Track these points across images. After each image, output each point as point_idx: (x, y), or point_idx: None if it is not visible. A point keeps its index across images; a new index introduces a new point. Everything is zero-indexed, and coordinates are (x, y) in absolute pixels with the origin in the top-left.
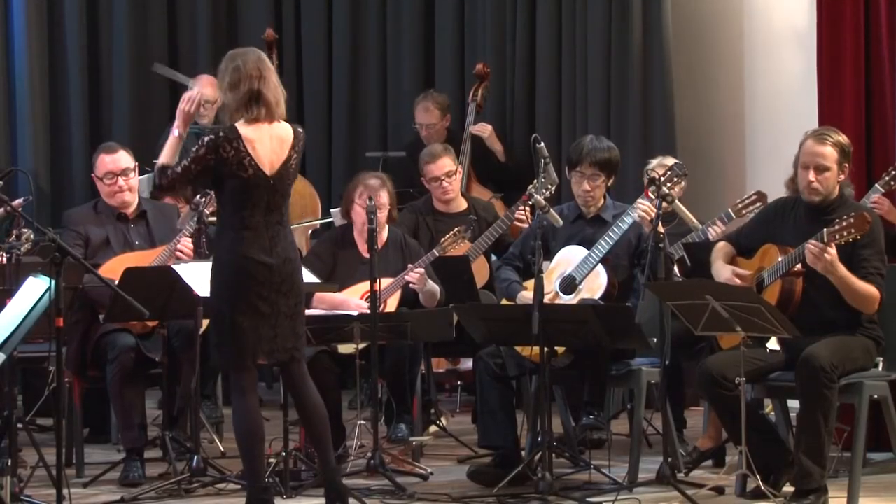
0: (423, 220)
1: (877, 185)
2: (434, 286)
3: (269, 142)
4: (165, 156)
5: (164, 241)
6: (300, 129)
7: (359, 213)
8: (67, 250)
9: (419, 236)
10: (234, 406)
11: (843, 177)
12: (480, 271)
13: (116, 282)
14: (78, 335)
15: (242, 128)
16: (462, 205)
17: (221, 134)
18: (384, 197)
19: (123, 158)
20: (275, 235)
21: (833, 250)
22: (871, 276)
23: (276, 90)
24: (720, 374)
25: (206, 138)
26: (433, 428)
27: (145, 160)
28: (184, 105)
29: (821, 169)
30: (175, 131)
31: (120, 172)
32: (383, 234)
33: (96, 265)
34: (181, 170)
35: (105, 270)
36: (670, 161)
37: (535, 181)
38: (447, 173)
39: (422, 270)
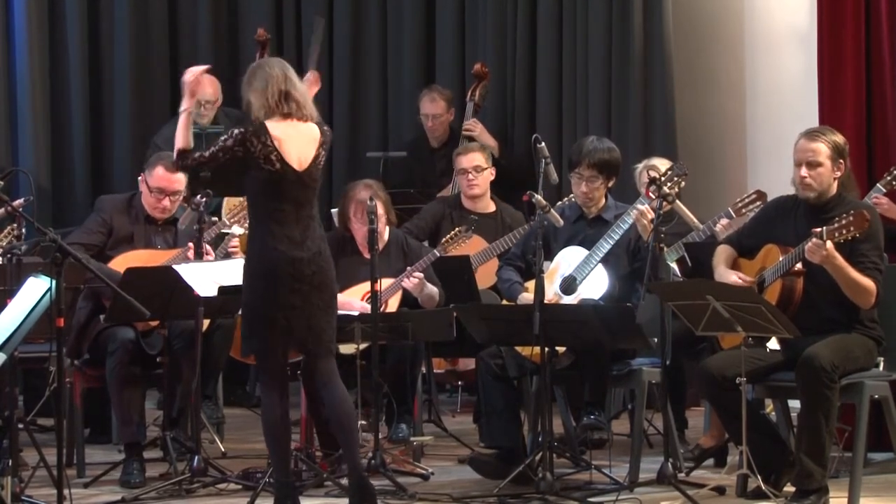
0: (448, 213)
1: (878, 184)
2: (433, 289)
3: (298, 139)
4: (181, 137)
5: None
6: (326, 128)
7: (358, 230)
8: (68, 250)
9: (442, 227)
10: (262, 401)
11: (838, 173)
12: (491, 273)
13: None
14: (80, 322)
15: (271, 125)
16: (490, 207)
17: (250, 129)
18: (379, 208)
19: (179, 181)
20: (306, 229)
21: (830, 244)
22: (870, 271)
23: (303, 92)
24: (721, 374)
25: (235, 131)
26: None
27: (146, 160)
28: (186, 76)
29: (813, 165)
30: (182, 108)
31: (171, 192)
32: (385, 236)
33: (111, 257)
34: (209, 155)
35: (116, 263)
36: (655, 161)
37: (567, 199)
38: (475, 167)
39: (420, 275)
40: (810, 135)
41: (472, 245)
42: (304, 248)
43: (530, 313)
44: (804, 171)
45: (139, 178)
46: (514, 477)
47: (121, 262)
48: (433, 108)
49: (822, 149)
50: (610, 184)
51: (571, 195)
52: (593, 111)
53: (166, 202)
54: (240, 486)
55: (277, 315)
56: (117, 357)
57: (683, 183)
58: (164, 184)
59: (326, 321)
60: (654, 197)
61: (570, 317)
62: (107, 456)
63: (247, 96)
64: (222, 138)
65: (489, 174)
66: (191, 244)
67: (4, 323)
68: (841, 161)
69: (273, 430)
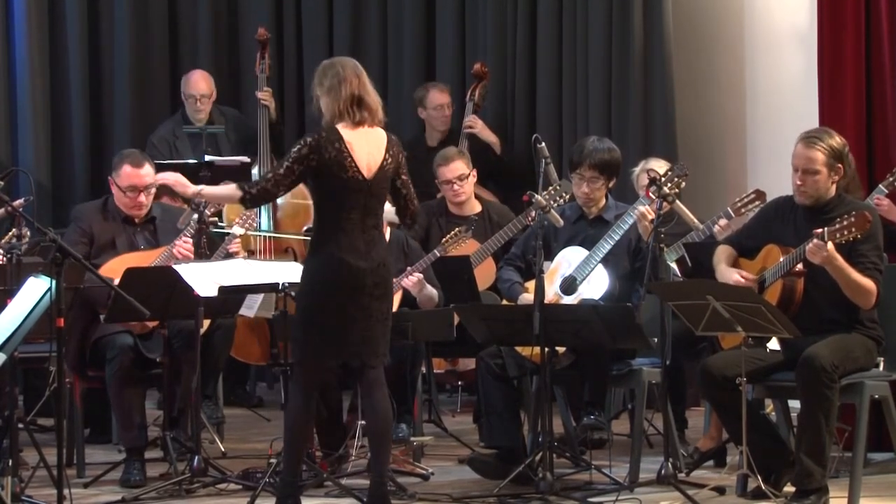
0: (435, 221)
1: (880, 185)
2: (432, 291)
3: (367, 145)
4: (224, 190)
5: (168, 243)
6: (394, 137)
7: None
8: (68, 250)
9: (431, 236)
10: (290, 400)
11: (836, 177)
12: (487, 273)
13: (117, 282)
14: (77, 333)
15: (343, 130)
16: (475, 207)
17: (324, 134)
18: None
19: (149, 174)
20: (371, 239)
21: (831, 245)
22: (869, 271)
23: (374, 95)
24: (721, 374)
25: (309, 139)
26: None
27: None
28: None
29: (809, 172)
30: (191, 192)
31: (143, 187)
32: (386, 236)
33: (97, 265)
34: (283, 171)
35: (106, 270)
36: (653, 163)
37: (551, 188)
38: (459, 177)
39: (420, 276)
40: (808, 141)
41: (465, 248)
42: (367, 259)
43: (530, 313)
44: (799, 179)
45: (109, 181)
46: (514, 477)
47: (108, 270)
48: (443, 97)
49: (818, 157)
50: (611, 184)
51: (555, 185)
52: (593, 111)
53: (142, 198)
54: (240, 486)
55: (332, 324)
56: (116, 363)
57: (684, 183)
58: (134, 181)
59: (382, 332)
60: (654, 197)
61: (570, 317)
62: (107, 456)
63: (318, 97)
64: (294, 148)
65: (472, 177)
66: (176, 242)
67: (4, 323)
68: (839, 165)
69: (296, 429)
